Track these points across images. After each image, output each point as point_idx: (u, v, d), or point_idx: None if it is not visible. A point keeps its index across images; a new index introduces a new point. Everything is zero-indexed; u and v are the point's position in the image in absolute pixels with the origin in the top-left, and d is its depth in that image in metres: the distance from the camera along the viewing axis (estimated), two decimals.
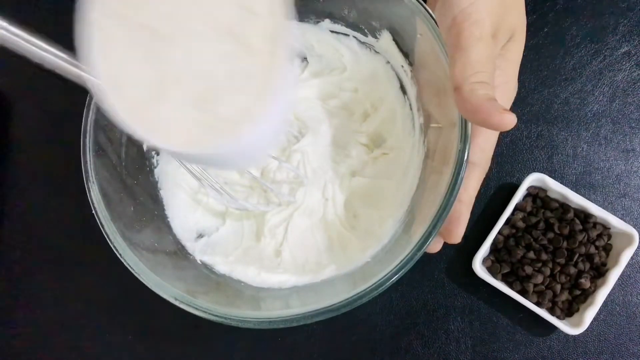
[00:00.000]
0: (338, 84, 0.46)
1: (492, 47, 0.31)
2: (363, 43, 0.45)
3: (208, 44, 0.24)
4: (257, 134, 0.25)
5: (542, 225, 0.43)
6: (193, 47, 0.24)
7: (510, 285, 0.43)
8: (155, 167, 0.44)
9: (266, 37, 0.24)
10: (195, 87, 0.24)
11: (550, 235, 0.43)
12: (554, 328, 0.43)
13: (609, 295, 0.42)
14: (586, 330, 0.41)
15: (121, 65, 0.25)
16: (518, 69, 0.36)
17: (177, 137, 0.24)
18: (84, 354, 0.46)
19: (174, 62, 0.25)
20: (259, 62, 0.24)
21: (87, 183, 0.36)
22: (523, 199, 0.45)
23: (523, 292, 0.43)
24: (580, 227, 0.43)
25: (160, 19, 0.25)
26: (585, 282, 0.42)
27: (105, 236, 0.35)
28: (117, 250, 0.35)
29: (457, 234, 0.35)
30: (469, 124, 0.32)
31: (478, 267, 0.43)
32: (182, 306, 0.34)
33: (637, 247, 0.42)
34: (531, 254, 0.43)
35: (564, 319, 0.43)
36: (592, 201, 0.43)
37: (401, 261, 0.33)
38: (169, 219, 0.43)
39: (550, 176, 0.43)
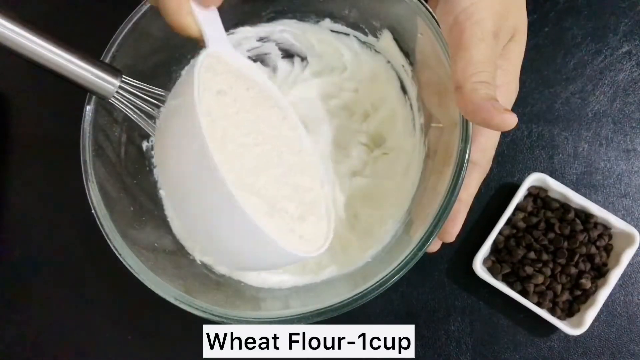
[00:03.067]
0: (338, 83, 0.45)
1: (493, 47, 0.31)
2: (363, 43, 0.44)
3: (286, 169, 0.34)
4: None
5: (542, 225, 0.43)
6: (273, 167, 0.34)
7: (510, 285, 0.43)
8: (154, 167, 0.44)
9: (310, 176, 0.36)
10: (290, 209, 0.33)
11: (551, 235, 0.43)
12: (554, 328, 0.43)
13: (610, 295, 0.42)
14: (587, 330, 0.41)
15: (241, 173, 0.33)
16: (519, 69, 0.36)
17: (286, 244, 0.31)
18: (84, 354, 0.46)
19: (268, 184, 0.33)
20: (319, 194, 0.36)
21: (86, 183, 0.35)
22: (524, 199, 0.44)
23: (524, 293, 0.42)
24: (581, 227, 0.43)
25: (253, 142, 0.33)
26: (586, 283, 0.42)
27: (105, 236, 0.35)
28: (116, 249, 0.35)
29: (451, 233, 0.35)
30: (470, 124, 0.32)
31: (478, 267, 0.43)
32: (182, 306, 0.34)
33: (638, 248, 0.42)
34: (532, 254, 0.42)
35: (564, 319, 0.43)
36: (593, 201, 0.43)
37: (402, 261, 0.33)
38: (168, 219, 0.43)
39: (551, 176, 0.43)
